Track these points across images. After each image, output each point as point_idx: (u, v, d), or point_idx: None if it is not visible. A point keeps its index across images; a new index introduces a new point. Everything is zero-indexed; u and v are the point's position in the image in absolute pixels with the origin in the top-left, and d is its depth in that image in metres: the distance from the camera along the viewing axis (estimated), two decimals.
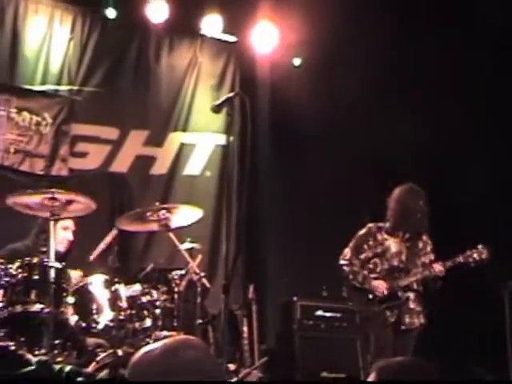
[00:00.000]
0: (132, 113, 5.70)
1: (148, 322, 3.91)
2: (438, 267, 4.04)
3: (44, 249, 3.80)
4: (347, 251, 4.26)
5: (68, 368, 3.33)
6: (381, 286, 4.09)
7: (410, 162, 5.44)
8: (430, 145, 5.39)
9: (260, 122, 5.76)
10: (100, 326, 3.82)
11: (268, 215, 5.91)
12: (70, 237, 4.36)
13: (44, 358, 3.32)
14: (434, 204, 4.30)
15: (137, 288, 3.99)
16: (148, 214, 4.11)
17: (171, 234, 4.09)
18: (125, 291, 3.92)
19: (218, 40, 5.97)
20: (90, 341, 3.90)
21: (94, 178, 5.41)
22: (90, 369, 3.54)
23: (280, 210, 5.96)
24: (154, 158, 5.78)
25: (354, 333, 4.65)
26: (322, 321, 4.72)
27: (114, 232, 4.16)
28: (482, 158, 5.35)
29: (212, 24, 5.67)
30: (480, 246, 4.06)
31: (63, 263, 3.78)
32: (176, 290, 4.04)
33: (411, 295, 4.13)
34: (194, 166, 5.92)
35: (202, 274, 4.07)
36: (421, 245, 4.24)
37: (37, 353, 3.41)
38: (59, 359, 3.44)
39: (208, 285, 4.14)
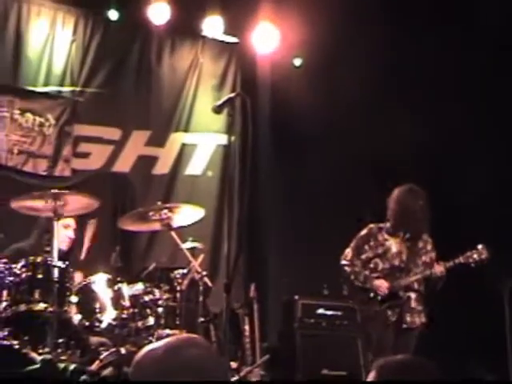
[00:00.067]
0: (134, 113, 5.73)
1: (151, 321, 3.93)
2: (438, 268, 4.07)
3: (48, 248, 3.84)
4: (348, 252, 4.28)
5: (72, 366, 3.37)
6: (382, 286, 4.12)
7: (410, 161, 5.45)
8: (430, 145, 5.40)
9: (261, 122, 5.78)
10: (103, 325, 3.85)
11: (269, 214, 5.94)
12: (72, 235, 4.38)
13: (48, 356, 3.35)
14: (434, 204, 4.32)
15: (139, 287, 4.01)
16: (150, 213, 4.14)
17: (173, 234, 4.12)
18: (127, 290, 3.95)
19: (219, 41, 5.98)
20: (94, 339, 3.93)
21: (97, 178, 5.44)
22: (93, 367, 3.58)
23: (281, 209, 5.98)
24: (156, 158, 5.81)
25: (355, 331, 4.67)
26: (323, 319, 4.74)
27: (92, 224, 4.19)
28: (482, 157, 5.36)
29: (213, 25, 5.70)
30: (480, 247, 4.08)
31: (66, 262, 3.82)
32: (178, 288, 4.06)
33: (412, 295, 4.16)
34: (196, 165, 5.95)
35: (204, 273, 4.10)
36: (421, 244, 4.26)
37: (41, 351, 3.45)
38: (63, 358, 3.47)
39: (210, 284, 4.16)
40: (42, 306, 3.61)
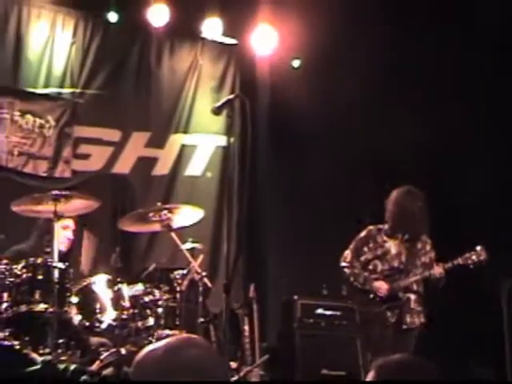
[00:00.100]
0: (134, 115, 5.75)
1: (150, 321, 3.95)
2: (437, 269, 4.09)
3: (48, 249, 3.86)
4: (348, 253, 4.30)
5: (72, 367, 3.39)
6: (382, 288, 4.14)
7: (410, 161, 5.46)
8: (430, 145, 5.40)
9: (260, 124, 5.80)
10: (103, 325, 3.87)
11: (268, 215, 5.95)
12: (71, 236, 4.40)
13: (49, 357, 3.37)
14: (434, 204, 4.34)
15: (139, 287, 4.03)
16: (150, 214, 4.16)
17: (173, 234, 4.14)
18: (127, 291, 3.97)
19: (219, 43, 6.00)
20: (94, 340, 3.95)
21: (97, 179, 5.46)
22: (93, 367, 3.60)
23: (280, 209, 6.00)
24: (156, 159, 5.83)
25: (354, 331, 4.69)
26: (322, 319, 4.75)
27: (87, 239, 4.22)
28: (481, 158, 5.37)
29: (212, 27, 5.71)
30: (478, 248, 4.09)
31: (67, 263, 3.84)
32: (178, 289, 4.07)
33: (412, 296, 4.18)
34: (195, 166, 5.97)
35: (204, 274, 4.11)
36: (420, 245, 4.27)
37: (41, 352, 3.47)
38: (63, 358, 3.49)
39: (209, 284, 4.17)
40: (42, 306, 3.63)
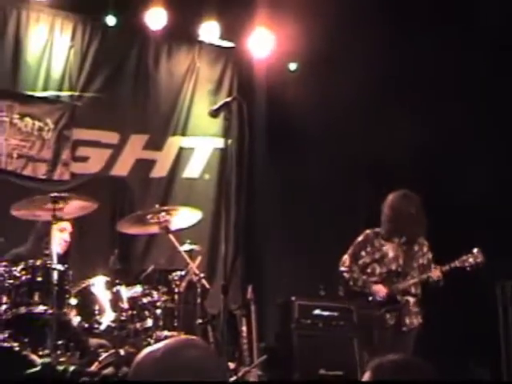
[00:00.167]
0: (132, 118, 5.78)
1: (149, 323, 3.97)
2: (435, 272, 4.14)
3: (46, 251, 3.88)
4: (346, 258, 4.34)
5: (72, 368, 3.41)
6: (381, 291, 4.19)
7: (408, 163, 5.49)
8: (428, 146, 5.42)
9: (257, 126, 5.84)
10: (102, 327, 3.89)
11: (266, 217, 5.98)
12: (67, 238, 4.41)
13: (48, 359, 3.39)
14: (431, 205, 4.37)
15: (138, 289, 4.05)
16: (148, 216, 4.18)
17: (171, 236, 4.16)
18: (126, 292, 3.99)
19: (216, 46, 6.02)
20: (93, 341, 3.97)
21: (95, 181, 5.48)
22: (92, 368, 3.62)
23: (277, 211, 6.03)
24: (154, 161, 5.85)
25: (351, 331, 4.73)
26: (319, 320, 4.78)
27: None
28: (480, 158, 5.39)
29: (210, 30, 5.74)
30: (475, 250, 4.13)
31: (66, 265, 3.86)
32: (176, 290, 4.09)
33: (411, 299, 4.23)
34: (193, 169, 6.00)
35: (202, 275, 4.13)
36: (416, 247, 4.31)
37: (40, 353, 3.49)
38: (62, 359, 3.51)
39: (207, 285, 4.20)
40: (41, 308, 3.65)
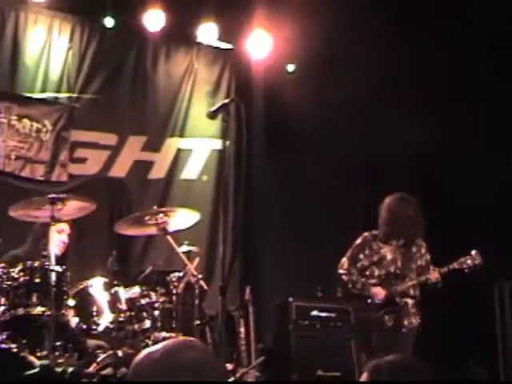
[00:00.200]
0: (130, 119, 5.78)
1: (147, 324, 3.98)
2: (433, 275, 4.16)
3: (44, 253, 3.88)
4: (344, 261, 4.36)
5: (70, 369, 3.42)
6: (380, 293, 4.21)
7: (407, 163, 5.50)
8: (427, 145, 5.43)
9: (255, 127, 5.84)
10: (100, 328, 3.89)
11: (264, 218, 5.99)
12: (66, 239, 4.42)
13: (47, 361, 3.39)
14: (430, 205, 4.39)
15: (136, 290, 4.05)
16: (146, 217, 4.19)
17: (169, 237, 4.17)
18: (124, 293, 3.99)
19: (214, 47, 6.03)
20: (91, 342, 3.97)
21: (93, 183, 5.48)
22: (90, 369, 3.63)
23: (275, 212, 6.04)
24: (152, 162, 5.86)
25: (349, 332, 4.74)
26: (317, 321, 4.79)
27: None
28: (477, 160, 5.41)
29: (208, 32, 5.75)
30: (473, 252, 4.15)
31: (64, 266, 3.87)
32: (174, 291, 4.09)
33: (409, 301, 4.25)
34: (191, 170, 6.01)
35: (200, 276, 4.14)
36: (414, 249, 4.33)
37: (39, 355, 3.49)
38: (60, 361, 3.52)
39: (205, 287, 4.20)
40: (39, 309, 3.65)
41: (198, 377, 1.26)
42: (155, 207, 4.34)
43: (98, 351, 3.86)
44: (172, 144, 5.95)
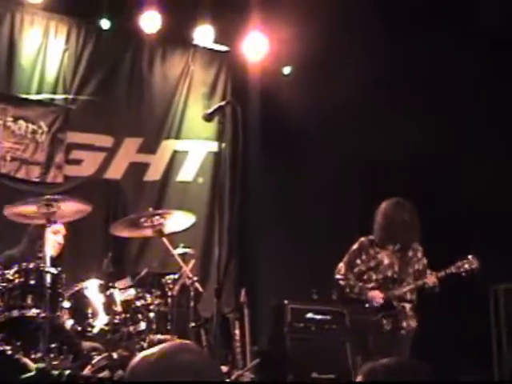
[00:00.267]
0: (126, 121, 5.79)
1: (142, 326, 3.97)
2: (430, 279, 4.18)
3: (40, 254, 3.88)
4: (341, 266, 4.38)
5: (67, 372, 3.41)
6: (377, 297, 4.22)
7: (403, 165, 5.52)
8: (423, 147, 5.44)
9: (251, 130, 5.85)
10: (95, 330, 3.89)
11: (259, 220, 6.00)
12: (61, 240, 4.41)
13: (43, 364, 3.38)
14: (426, 208, 4.40)
15: (131, 292, 4.06)
16: (142, 219, 4.18)
17: (165, 240, 4.17)
18: (119, 295, 4.00)
19: (210, 50, 6.05)
20: (86, 344, 3.97)
21: (89, 184, 5.48)
22: (85, 372, 3.62)
23: (271, 214, 6.05)
24: (148, 164, 5.86)
25: (344, 335, 4.75)
26: (312, 323, 4.79)
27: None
28: (476, 161, 5.43)
29: (204, 34, 5.77)
30: (470, 257, 4.18)
31: (59, 268, 3.86)
32: (169, 294, 4.09)
33: (407, 305, 4.27)
34: (187, 172, 6.01)
35: (195, 279, 4.14)
36: (411, 253, 4.34)
37: (33, 357, 3.49)
38: (55, 363, 3.51)
39: (201, 289, 4.20)
40: (34, 311, 3.64)
41: (193, 380, 1.27)
42: (151, 209, 4.34)
43: (93, 353, 3.85)
44: (168, 146, 5.96)
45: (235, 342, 4.52)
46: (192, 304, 4.16)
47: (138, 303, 4.01)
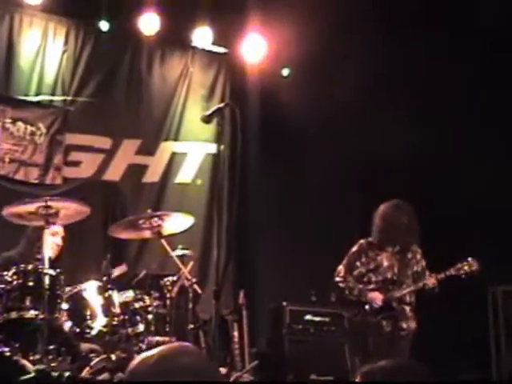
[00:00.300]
0: (125, 123, 5.78)
1: (141, 328, 3.98)
2: (430, 280, 4.19)
3: (38, 256, 3.88)
4: (341, 269, 4.38)
5: (66, 374, 3.41)
6: (377, 298, 4.23)
7: (403, 165, 5.52)
8: (423, 147, 5.45)
9: (250, 131, 5.85)
10: (94, 332, 3.89)
11: (258, 222, 6.00)
12: (59, 242, 4.41)
13: (42, 365, 3.38)
14: (425, 210, 4.41)
15: (130, 294, 4.06)
16: (140, 221, 4.19)
17: (163, 241, 4.17)
18: (118, 297, 3.99)
19: (209, 51, 6.05)
20: (84, 346, 3.97)
21: (88, 186, 5.48)
22: (84, 374, 3.62)
23: (270, 216, 6.05)
24: (147, 166, 5.86)
25: (343, 337, 4.75)
26: (310, 325, 4.80)
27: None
28: (475, 162, 5.44)
29: (203, 36, 5.77)
30: (470, 259, 4.18)
31: (58, 270, 3.86)
32: (168, 295, 4.10)
33: (406, 307, 4.27)
34: (186, 174, 6.01)
35: (194, 280, 4.14)
36: (410, 255, 4.35)
37: (32, 358, 3.49)
38: (53, 364, 3.51)
39: (199, 291, 4.20)
40: (33, 313, 3.65)
41: (193, 382, 1.27)
42: (149, 211, 4.34)
43: (92, 355, 3.85)
44: (166, 148, 5.96)
45: (234, 344, 4.52)
46: (190, 306, 4.16)
47: (137, 305, 4.02)
